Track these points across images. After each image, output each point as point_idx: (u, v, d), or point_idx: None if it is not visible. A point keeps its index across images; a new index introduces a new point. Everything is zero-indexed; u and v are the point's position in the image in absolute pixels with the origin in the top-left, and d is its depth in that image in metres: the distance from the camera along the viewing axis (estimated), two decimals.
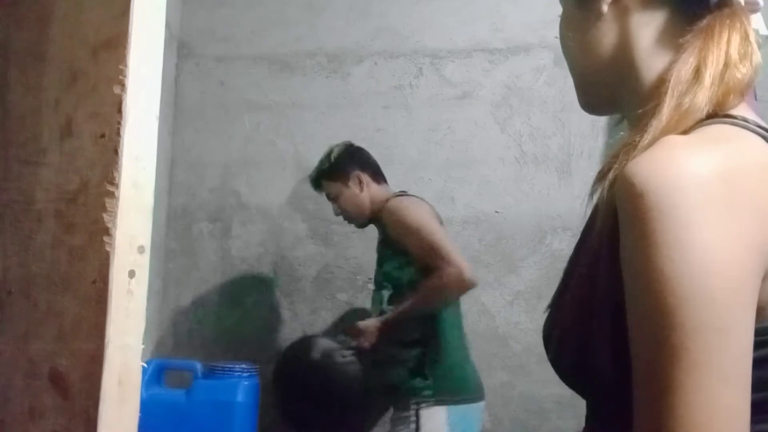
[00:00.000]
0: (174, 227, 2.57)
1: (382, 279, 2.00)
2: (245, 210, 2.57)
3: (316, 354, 2.03)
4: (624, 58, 0.65)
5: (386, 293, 1.98)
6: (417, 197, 2.08)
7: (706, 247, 0.49)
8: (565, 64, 0.75)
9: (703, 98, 0.58)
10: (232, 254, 2.55)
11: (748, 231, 0.50)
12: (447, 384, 1.87)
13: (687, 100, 0.58)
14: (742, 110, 0.60)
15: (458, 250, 1.93)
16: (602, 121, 2.41)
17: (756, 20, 0.65)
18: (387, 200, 2.05)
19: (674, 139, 0.56)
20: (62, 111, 0.59)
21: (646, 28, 0.63)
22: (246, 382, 1.97)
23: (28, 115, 0.60)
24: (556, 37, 0.74)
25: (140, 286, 0.57)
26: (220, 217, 2.57)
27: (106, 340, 0.54)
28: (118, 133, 0.56)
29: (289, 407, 2.10)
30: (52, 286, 0.56)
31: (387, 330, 1.91)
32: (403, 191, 2.13)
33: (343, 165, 2.10)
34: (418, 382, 1.86)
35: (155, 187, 0.60)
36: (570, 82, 0.74)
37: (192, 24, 2.65)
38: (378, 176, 2.14)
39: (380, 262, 2.03)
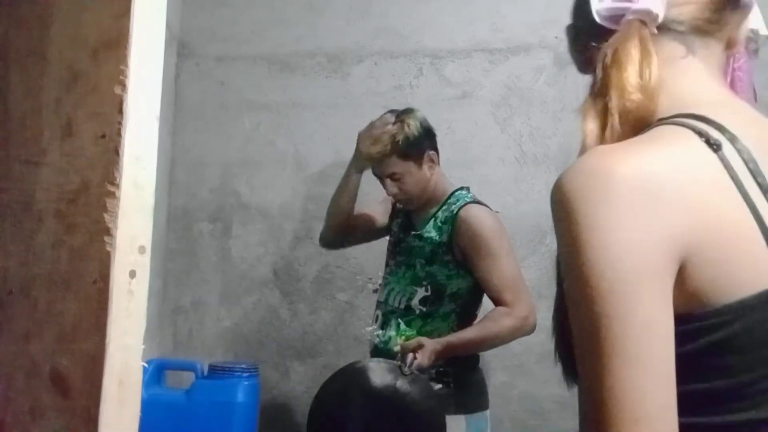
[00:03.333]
0: (174, 227, 2.57)
1: (423, 276, 1.83)
2: (245, 210, 2.57)
3: (374, 381, 1.61)
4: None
5: (420, 291, 1.82)
6: (488, 207, 1.89)
7: (601, 244, 0.54)
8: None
9: (615, 118, 0.63)
10: (232, 254, 2.55)
11: (650, 226, 0.53)
12: (470, 394, 1.82)
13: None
14: (718, 107, 0.62)
15: (527, 285, 1.84)
16: None
17: (756, 20, 0.66)
18: (449, 193, 1.89)
19: (598, 148, 0.61)
20: (63, 111, 0.59)
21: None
22: (246, 382, 1.97)
23: (29, 115, 0.60)
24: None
25: (141, 286, 0.57)
26: (220, 217, 2.57)
27: (107, 340, 0.54)
28: (118, 134, 0.56)
29: None
30: (53, 286, 0.56)
31: (446, 354, 1.70)
32: (465, 187, 1.94)
33: (422, 141, 1.85)
34: (438, 388, 1.75)
35: (155, 187, 0.60)
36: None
37: (192, 24, 2.65)
38: (439, 155, 1.93)
39: (429, 260, 1.83)
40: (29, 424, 0.56)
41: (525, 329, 1.75)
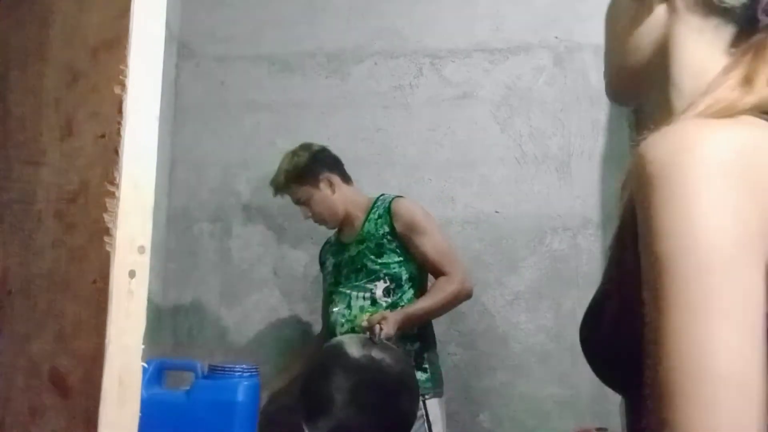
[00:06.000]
0: (174, 227, 2.57)
1: (378, 269, 2.01)
2: (245, 210, 2.57)
3: (352, 353, 1.79)
4: (665, 56, 0.67)
5: (380, 284, 2.00)
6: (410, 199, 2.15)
7: (701, 214, 0.50)
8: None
9: (747, 101, 0.59)
10: (232, 254, 2.55)
11: (751, 210, 0.51)
12: (439, 377, 2.01)
13: (728, 96, 0.59)
14: None
15: (459, 255, 2.08)
16: (602, 121, 2.41)
17: None
18: (373, 201, 2.10)
19: (691, 119, 0.57)
20: (62, 111, 0.59)
21: (693, 32, 0.66)
22: (246, 382, 1.97)
23: (28, 115, 0.60)
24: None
25: (140, 286, 0.57)
26: (220, 217, 2.57)
27: (107, 340, 0.53)
28: (118, 133, 0.56)
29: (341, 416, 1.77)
30: (53, 286, 0.56)
31: (407, 324, 1.89)
32: (383, 194, 2.15)
33: (312, 168, 2.10)
34: (419, 375, 1.91)
35: (155, 187, 0.60)
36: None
37: (192, 24, 2.65)
38: (346, 177, 2.17)
39: (377, 253, 2.02)
40: (29, 424, 0.56)
41: (464, 292, 1.99)
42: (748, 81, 0.60)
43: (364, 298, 2.01)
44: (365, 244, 2.05)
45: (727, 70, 0.62)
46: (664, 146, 0.54)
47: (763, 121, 0.58)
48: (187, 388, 1.99)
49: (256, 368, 2.04)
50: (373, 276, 2.01)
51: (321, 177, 2.10)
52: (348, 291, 2.04)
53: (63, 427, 0.54)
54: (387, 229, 2.03)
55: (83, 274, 0.55)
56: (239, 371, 1.98)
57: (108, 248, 0.54)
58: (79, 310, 0.55)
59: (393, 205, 2.05)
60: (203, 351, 2.45)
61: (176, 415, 1.90)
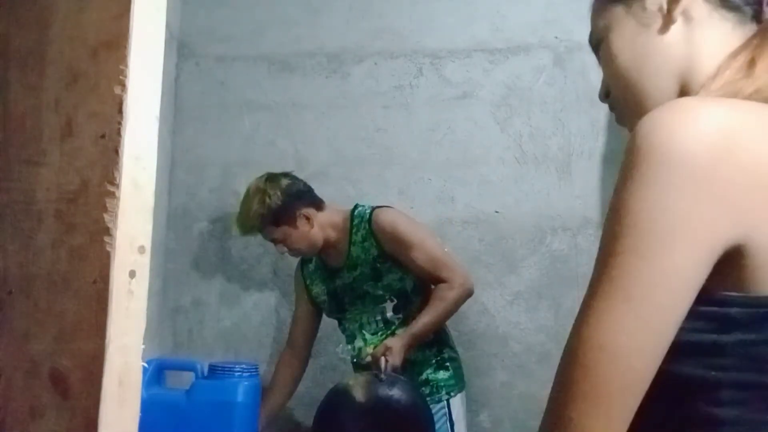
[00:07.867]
0: (174, 227, 2.57)
1: (382, 293, 1.97)
2: None
3: (358, 397, 1.73)
4: (691, 66, 0.67)
5: (388, 304, 1.98)
6: (388, 206, 2.04)
7: (645, 198, 0.53)
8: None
9: (749, 86, 0.59)
10: (232, 254, 2.55)
11: (710, 198, 0.52)
12: (460, 373, 2.02)
13: (734, 77, 0.61)
14: None
15: (453, 255, 2.03)
16: (602, 121, 2.41)
17: None
18: (349, 218, 2.01)
19: (688, 98, 0.59)
20: (62, 111, 0.59)
21: (714, 32, 0.66)
22: (246, 382, 1.97)
23: (28, 115, 0.60)
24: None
25: (141, 286, 0.57)
26: (220, 217, 2.57)
27: (107, 340, 0.53)
28: (118, 133, 0.56)
29: None
30: (53, 286, 0.56)
31: (414, 344, 1.87)
32: (357, 205, 2.07)
33: (288, 207, 1.98)
34: (442, 375, 1.96)
35: (155, 187, 0.60)
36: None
37: (192, 24, 2.65)
38: (318, 203, 2.06)
39: (376, 278, 1.97)
40: (29, 424, 0.56)
41: (466, 293, 1.94)
42: (752, 63, 0.61)
43: (376, 321, 1.99)
44: (359, 270, 1.99)
45: (735, 54, 0.63)
46: (651, 123, 0.55)
47: (760, 105, 0.58)
48: (187, 388, 1.99)
49: (256, 368, 2.04)
50: (379, 300, 1.98)
51: (298, 215, 1.98)
52: (357, 317, 2.02)
53: (63, 427, 0.54)
54: (376, 252, 1.96)
55: (83, 274, 0.55)
56: (239, 371, 1.98)
57: (108, 248, 0.54)
58: (79, 310, 0.55)
59: (374, 225, 1.96)
60: (203, 351, 2.45)
61: (176, 415, 1.91)
